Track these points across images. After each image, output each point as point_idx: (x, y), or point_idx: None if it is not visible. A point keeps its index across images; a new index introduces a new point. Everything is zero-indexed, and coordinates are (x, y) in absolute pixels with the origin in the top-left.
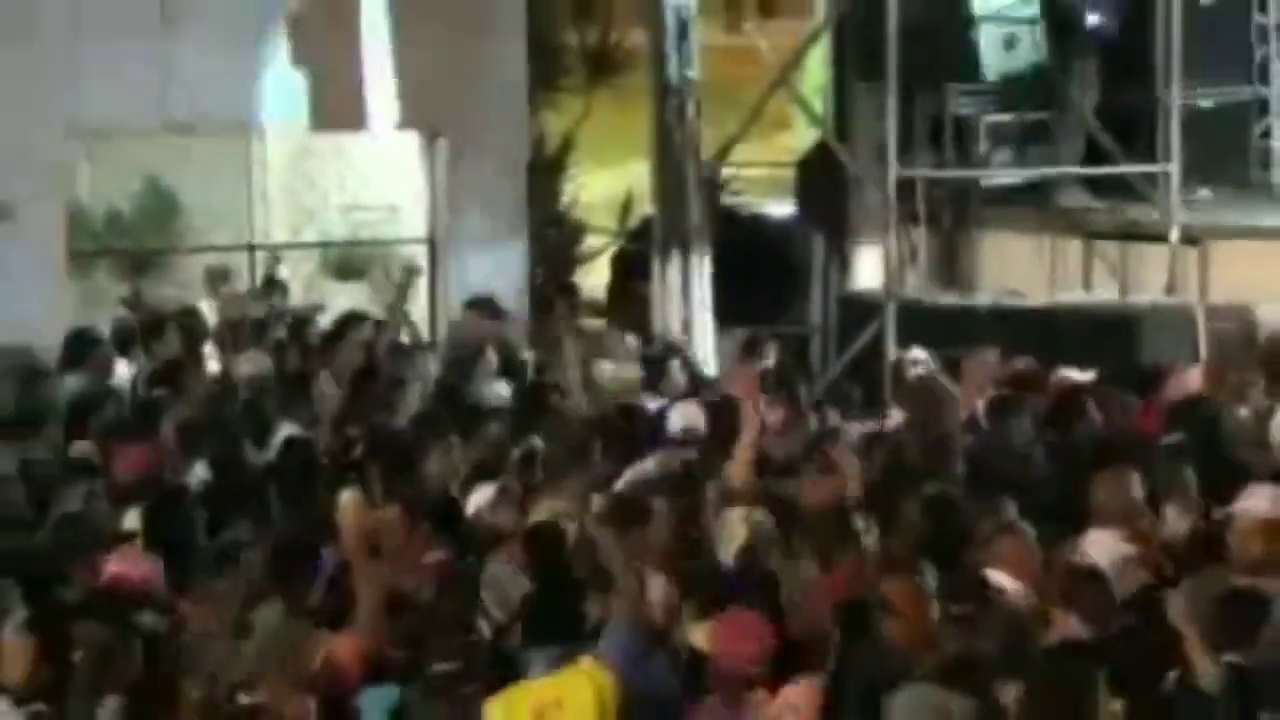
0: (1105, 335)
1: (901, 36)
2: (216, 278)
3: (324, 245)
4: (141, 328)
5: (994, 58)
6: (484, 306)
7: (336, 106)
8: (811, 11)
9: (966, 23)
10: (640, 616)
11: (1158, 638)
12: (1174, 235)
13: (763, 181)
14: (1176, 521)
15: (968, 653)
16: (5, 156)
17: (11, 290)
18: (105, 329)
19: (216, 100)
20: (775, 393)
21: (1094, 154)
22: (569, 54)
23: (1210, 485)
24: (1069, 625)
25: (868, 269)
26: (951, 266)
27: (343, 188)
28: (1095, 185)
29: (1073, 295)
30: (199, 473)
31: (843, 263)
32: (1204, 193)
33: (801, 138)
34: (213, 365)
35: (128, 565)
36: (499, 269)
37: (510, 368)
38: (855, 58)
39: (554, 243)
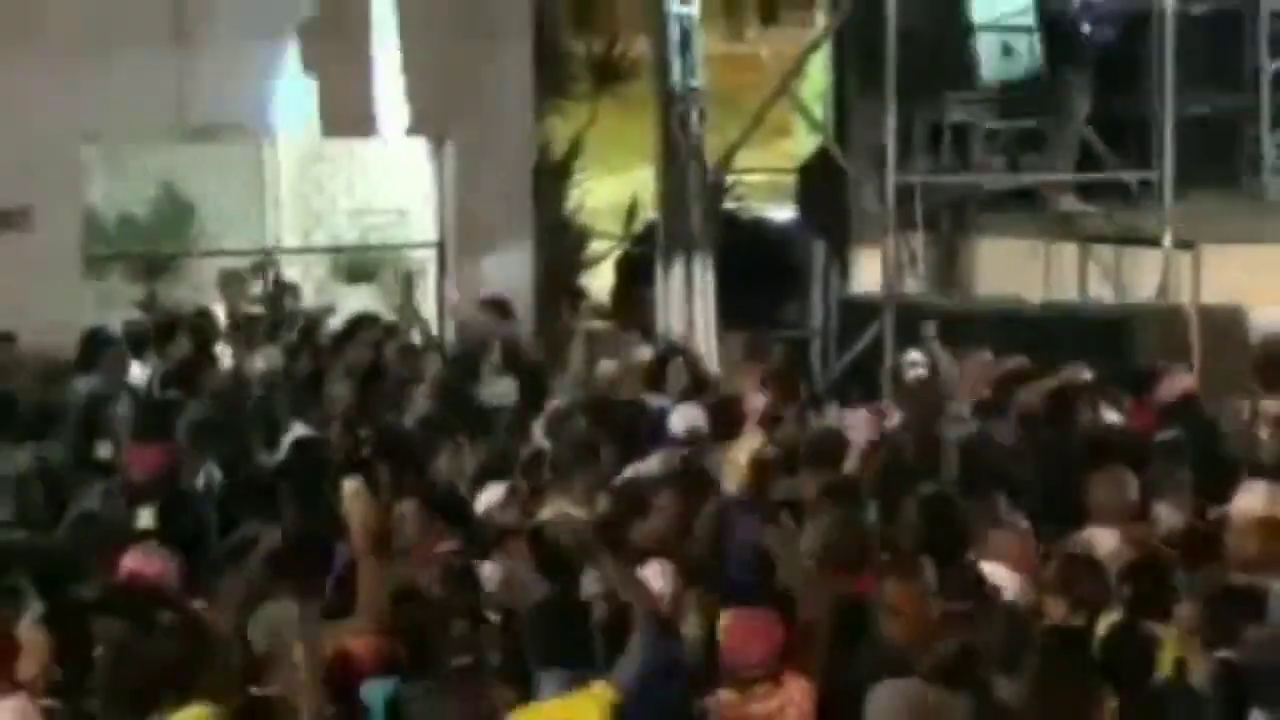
0: (1100, 337)
1: (900, 45)
2: (231, 282)
3: (334, 249)
4: (154, 329)
5: (991, 66)
6: (496, 306)
7: (346, 113)
8: (812, 20)
9: (964, 31)
10: (658, 645)
11: (1149, 634)
12: (1167, 239)
13: (764, 187)
14: (1169, 519)
15: (962, 648)
16: (23, 162)
17: (28, 292)
18: (119, 331)
19: (229, 107)
20: (777, 393)
21: (1089, 160)
22: (574, 62)
23: (1203, 484)
24: (1063, 615)
25: (867, 272)
26: (950, 270)
27: (352, 192)
28: (1090, 191)
29: (1068, 298)
30: (212, 472)
31: (843, 266)
32: (1200, 194)
33: (802, 144)
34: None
35: (144, 562)
36: (506, 272)
37: (516, 366)
38: (855, 66)
39: (560, 246)
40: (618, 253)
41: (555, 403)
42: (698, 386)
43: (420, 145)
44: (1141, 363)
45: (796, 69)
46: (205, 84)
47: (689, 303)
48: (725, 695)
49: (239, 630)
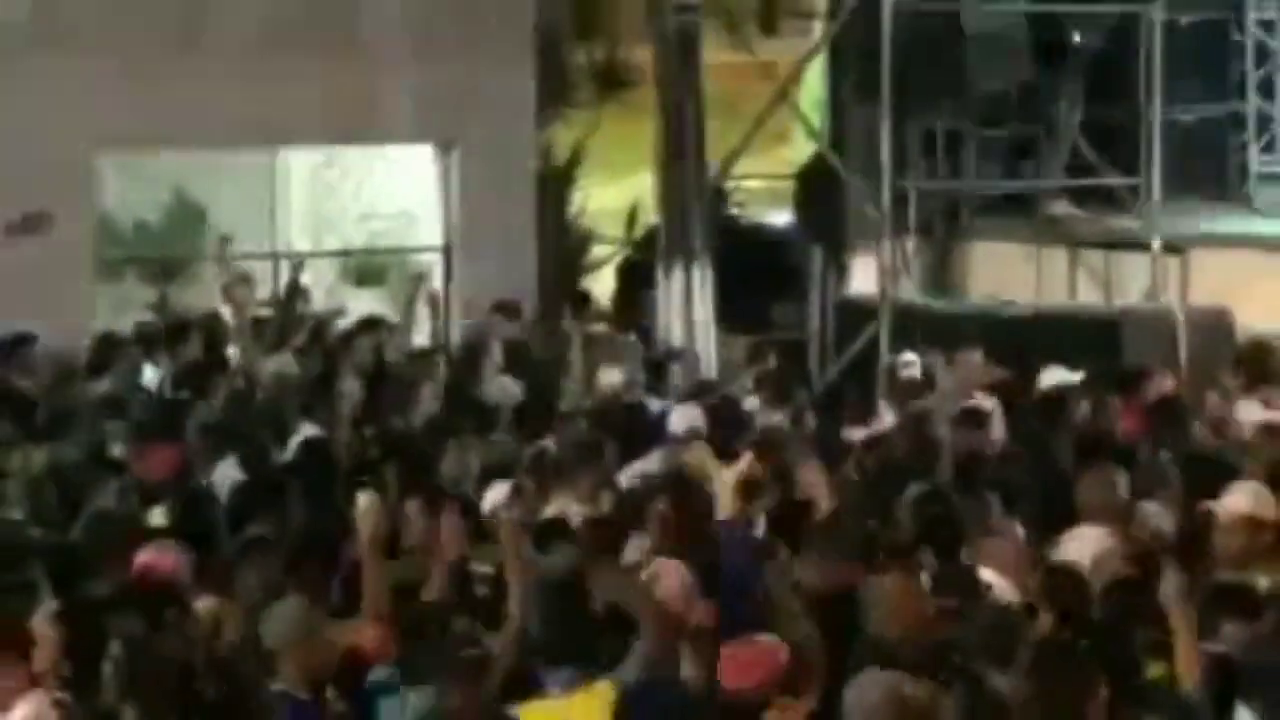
0: (1090, 339)
1: (895, 54)
2: (235, 282)
3: (343, 253)
4: (166, 331)
5: (984, 75)
6: (506, 309)
7: (355, 120)
8: (810, 30)
9: (958, 41)
10: (662, 651)
11: (1139, 630)
12: (1156, 244)
13: (763, 192)
14: (1157, 517)
15: (945, 642)
16: (38, 167)
17: (44, 294)
18: (132, 333)
19: (240, 114)
20: (774, 396)
21: (1079, 166)
22: (577, 70)
23: (1189, 482)
24: (1049, 623)
25: (863, 276)
26: (943, 273)
27: (361, 198)
28: (1080, 196)
29: (1059, 301)
30: (223, 471)
31: (839, 270)
32: (1187, 200)
33: (800, 151)
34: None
35: (157, 558)
36: (510, 275)
37: (520, 367)
38: (851, 75)
39: (563, 251)
40: (619, 257)
41: (561, 404)
42: (698, 388)
43: (427, 152)
44: (1130, 364)
45: (795, 77)
46: (218, 92)
47: (688, 306)
48: None
49: (250, 627)
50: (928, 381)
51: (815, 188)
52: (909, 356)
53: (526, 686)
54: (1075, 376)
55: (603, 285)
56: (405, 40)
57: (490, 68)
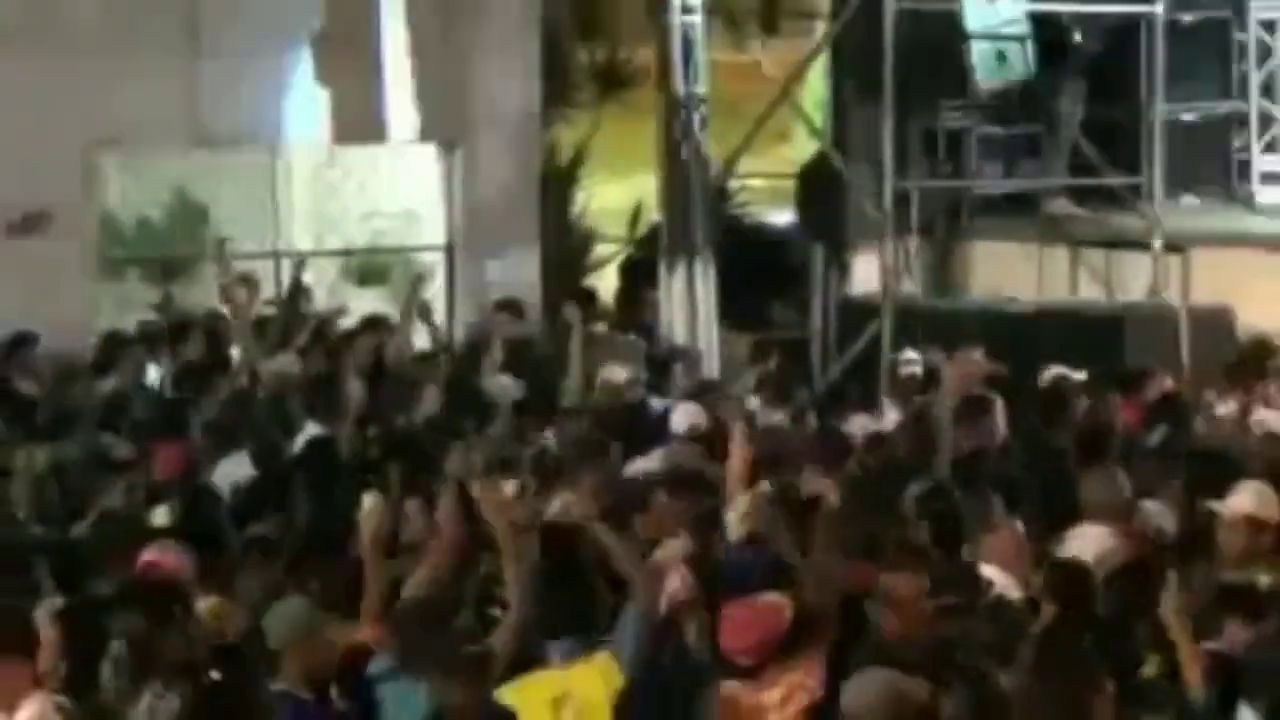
0: (1091, 338)
1: (897, 54)
2: (234, 283)
3: (345, 253)
4: (168, 329)
5: (985, 74)
6: (510, 308)
7: (358, 119)
8: (812, 29)
9: (959, 40)
10: (653, 610)
11: (1140, 627)
12: (1157, 242)
13: (765, 191)
14: (1159, 516)
15: (945, 639)
16: (41, 166)
17: (47, 294)
18: (135, 332)
19: (243, 113)
20: (775, 396)
21: (1080, 165)
22: (580, 70)
23: (1190, 481)
24: (1052, 619)
25: (865, 275)
26: (945, 272)
27: (363, 197)
28: (1081, 195)
29: (1060, 300)
30: (225, 470)
31: (841, 269)
32: (1189, 199)
33: (802, 150)
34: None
35: (161, 556)
36: (513, 274)
37: (521, 365)
38: (853, 74)
39: (566, 250)
40: (622, 256)
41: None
42: (699, 387)
43: (429, 151)
44: (1131, 363)
45: (797, 77)
46: (220, 91)
47: (691, 305)
48: (726, 685)
49: (254, 626)
50: (930, 378)
51: (817, 187)
52: (911, 354)
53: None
54: (1077, 375)
55: (606, 284)
56: (408, 39)
57: (494, 66)
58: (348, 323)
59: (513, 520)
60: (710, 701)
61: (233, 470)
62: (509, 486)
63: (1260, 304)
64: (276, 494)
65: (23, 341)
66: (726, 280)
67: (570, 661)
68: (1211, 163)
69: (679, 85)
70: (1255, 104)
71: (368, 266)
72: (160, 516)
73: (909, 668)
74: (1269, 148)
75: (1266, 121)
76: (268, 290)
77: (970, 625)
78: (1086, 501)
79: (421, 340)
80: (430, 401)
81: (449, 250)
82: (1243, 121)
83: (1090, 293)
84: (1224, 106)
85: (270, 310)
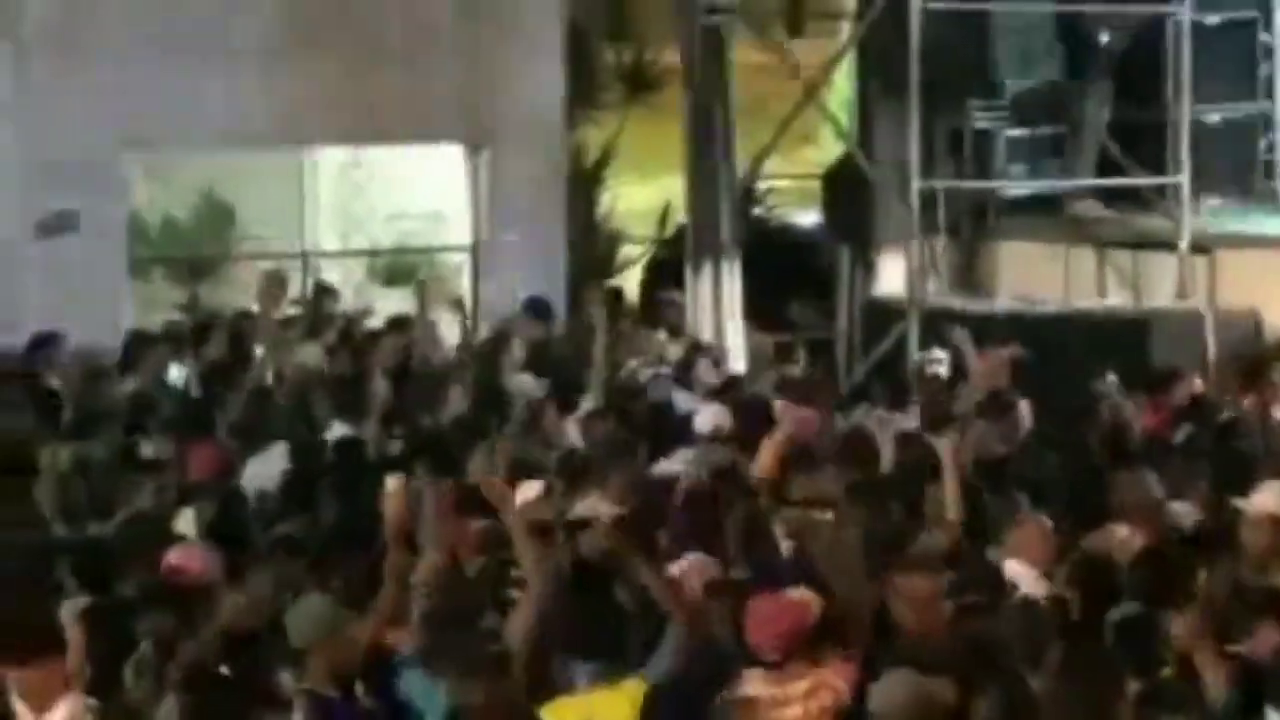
0: (1117, 340)
1: (923, 54)
2: (271, 283)
3: (372, 253)
4: (192, 330)
5: (1012, 75)
6: (536, 309)
7: (384, 120)
8: (838, 30)
9: (985, 41)
10: (690, 644)
11: (1160, 628)
12: (1184, 244)
13: (791, 192)
14: (1186, 517)
15: (972, 641)
16: (69, 167)
17: (74, 293)
18: (160, 332)
19: (270, 114)
20: (799, 397)
21: (1107, 166)
22: (606, 71)
23: (1219, 482)
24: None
25: (891, 276)
26: (971, 273)
27: (389, 197)
28: (1108, 196)
29: (1087, 301)
30: (253, 470)
31: (867, 270)
32: (1214, 200)
33: (828, 151)
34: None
35: (187, 557)
36: (539, 274)
37: (544, 365)
38: (879, 75)
39: (592, 250)
40: (647, 256)
41: (588, 402)
42: (725, 386)
43: (456, 152)
44: (1158, 365)
45: (823, 78)
46: (246, 92)
47: (717, 305)
48: (751, 678)
49: (274, 625)
50: (956, 377)
51: (843, 188)
52: (938, 353)
53: (548, 681)
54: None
55: (633, 284)
56: (435, 40)
57: (521, 68)
58: (374, 323)
59: (533, 521)
60: (730, 690)
61: (259, 470)
62: (534, 487)
63: None
64: (303, 494)
65: (50, 340)
66: (752, 281)
67: (597, 686)
68: (1237, 164)
69: (705, 87)
70: None
71: (394, 267)
72: (186, 518)
73: (933, 668)
74: None
75: None
76: (294, 290)
77: (993, 625)
78: (1115, 502)
79: (453, 335)
80: (456, 401)
81: (475, 251)
82: (1268, 123)
83: (1117, 294)
84: (1249, 107)
85: (296, 310)
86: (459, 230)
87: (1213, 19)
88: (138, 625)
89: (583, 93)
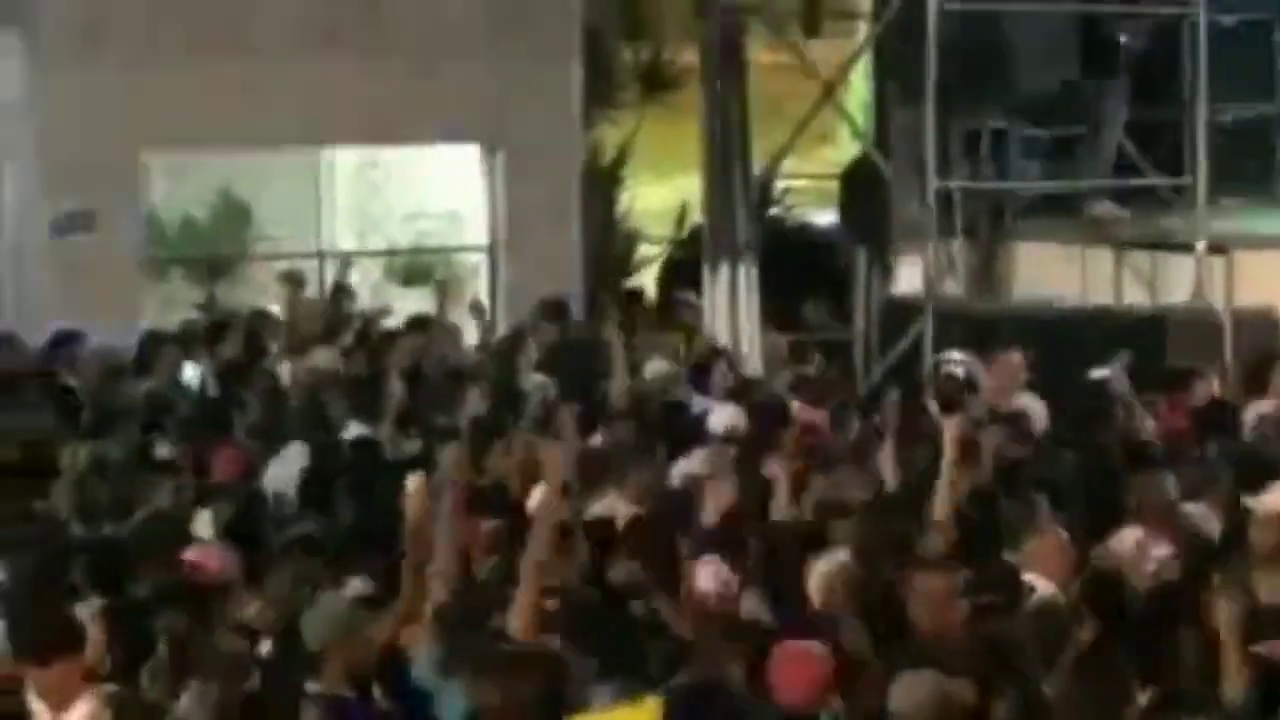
0: (1134, 340)
1: (940, 55)
2: (292, 282)
3: (389, 253)
4: (207, 330)
5: (1029, 75)
6: (553, 308)
7: (401, 120)
8: (854, 30)
9: (1002, 41)
10: (707, 659)
11: (1185, 631)
12: (1201, 244)
13: (808, 192)
14: (1203, 519)
15: (989, 642)
16: (87, 167)
17: (91, 293)
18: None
19: (286, 114)
20: (814, 397)
21: (1124, 167)
22: (623, 71)
23: (1239, 484)
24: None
25: (908, 276)
26: (988, 274)
27: (406, 197)
28: (1125, 196)
29: (1103, 302)
30: (272, 472)
31: (883, 270)
32: (1231, 202)
33: (845, 151)
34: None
35: (205, 558)
36: (555, 274)
37: (559, 364)
38: (896, 75)
39: (608, 250)
40: (663, 257)
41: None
42: (741, 388)
43: (473, 152)
44: (1175, 366)
45: (840, 78)
46: (263, 92)
47: (733, 305)
48: None
49: (289, 626)
50: (970, 383)
51: (860, 188)
52: (957, 355)
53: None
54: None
55: (649, 284)
56: (451, 40)
57: (537, 67)
58: (391, 323)
59: (556, 521)
60: None
61: (276, 471)
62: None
63: None
64: (320, 495)
65: (69, 339)
66: (769, 281)
67: (615, 706)
68: (1253, 164)
69: (722, 86)
70: None
71: (411, 267)
72: (204, 518)
73: (949, 668)
74: None
75: None
76: (311, 290)
77: (1010, 626)
78: (1131, 504)
79: (471, 337)
80: (475, 402)
81: (492, 250)
82: None
83: (1134, 295)
84: (1266, 108)
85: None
86: (476, 230)
87: (1229, 20)
88: (155, 625)
89: (600, 92)
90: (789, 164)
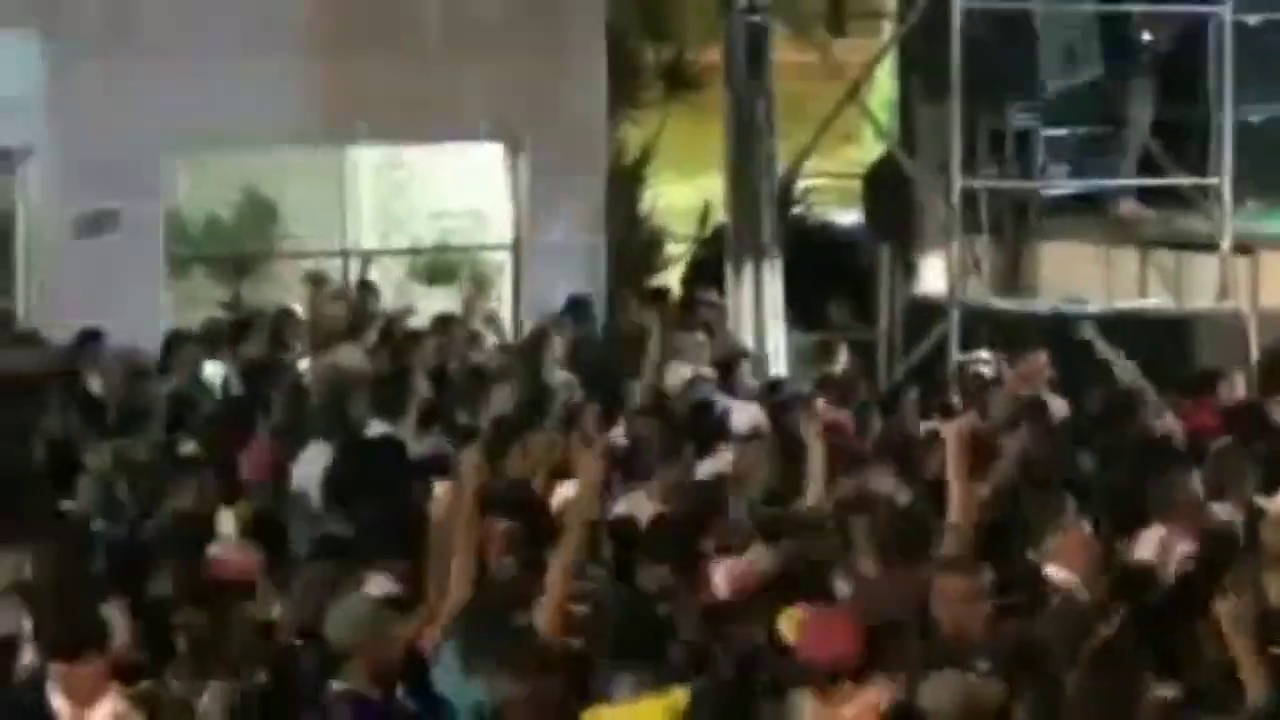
0: (1159, 340)
1: (964, 54)
2: (317, 282)
3: (412, 251)
4: (230, 328)
5: (1053, 74)
6: (576, 307)
7: (426, 118)
8: (879, 29)
9: (1027, 40)
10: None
11: (1203, 626)
12: (1226, 244)
13: (832, 192)
14: (1231, 519)
15: (1018, 642)
16: (110, 165)
17: (115, 292)
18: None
19: (312, 112)
20: (838, 396)
21: (1148, 167)
22: (646, 70)
23: (1267, 484)
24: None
25: (932, 276)
26: (1013, 273)
27: (430, 196)
28: (1150, 196)
29: (1128, 302)
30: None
31: (908, 270)
32: (1256, 202)
33: (869, 150)
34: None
35: (229, 556)
36: (579, 273)
37: (583, 364)
38: (920, 74)
39: (632, 249)
40: (688, 256)
41: (633, 401)
42: (766, 388)
43: (497, 151)
44: (1200, 365)
45: (864, 77)
46: (287, 90)
47: (758, 305)
48: (806, 698)
49: (314, 625)
50: (996, 382)
51: (884, 187)
52: (984, 354)
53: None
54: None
55: (674, 283)
56: (476, 39)
57: (561, 67)
58: (416, 322)
59: (587, 521)
60: (776, 703)
61: (301, 470)
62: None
63: None
64: (343, 493)
65: (92, 338)
66: (793, 281)
67: (637, 697)
68: (1278, 164)
69: (745, 85)
70: None
71: (435, 266)
72: (227, 517)
73: (973, 668)
74: None
75: None
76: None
77: (1033, 626)
78: (1156, 503)
79: (490, 340)
80: (500, 401)
81: (515, 249)
82: None
83: (1159, 295)
84: None
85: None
86: (500, 229)
87: (1255, 19)
88: (179, 623)
89: (623, 91)
90: (813, 163)
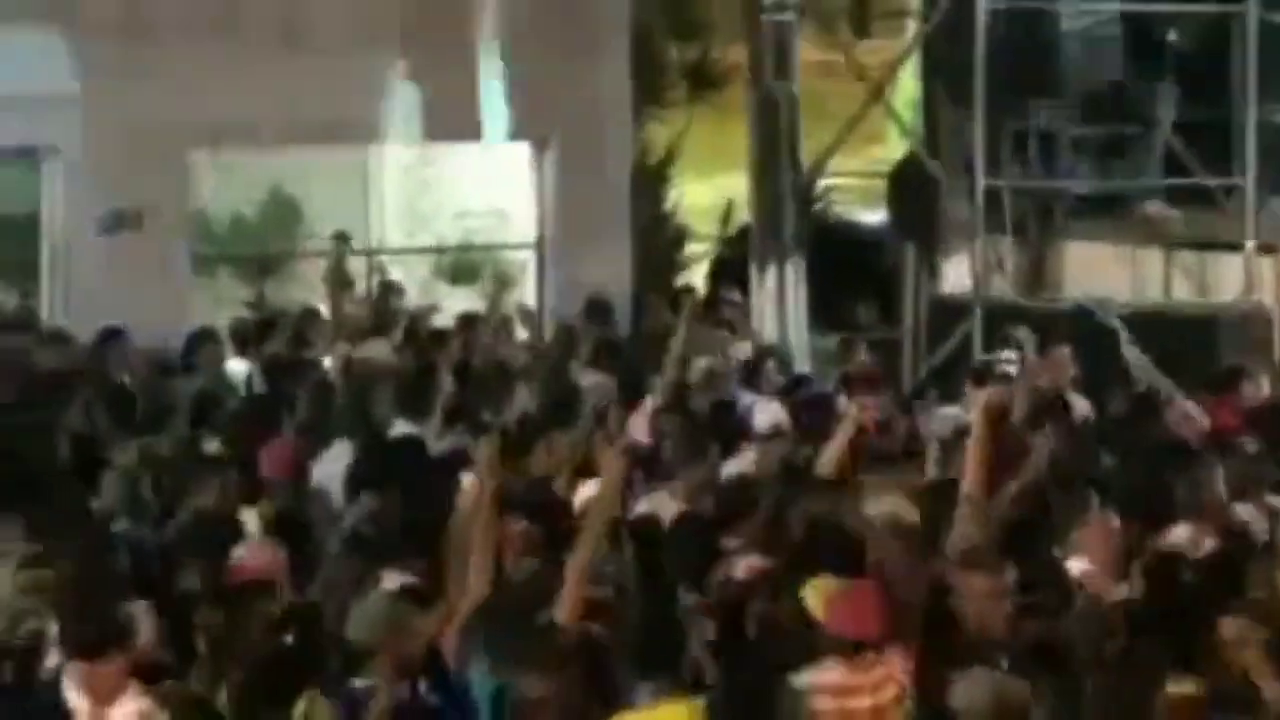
0: (1183, 339)
1: (988, 54)
2: (341, 283)
3: (437, 250)
4: (256, 327)
5: (1078, 74)
6: (599, 307)
7: (451, 118)
8: (903, 29)
9: (1051, 40)
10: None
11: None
12: (1250, 244)
13: (856, 191)
14: (1250, 518)
15: (1042, 640)
16: (134, 164)
17: (140, 291)
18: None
19: (337, 111)
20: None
21: (1173, 166)
22: (671, 69)
23: None
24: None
25: (956, 275)
26: (1037, 273)
27: (455, 195)
28: (1174, 196)
29: (1153, 301)
30: (323, 469)
31: (932, 269)
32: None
33: (893, 150)
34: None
35: (252, 554)
36: (603, 272)
37: (610, 363)
38: (944, 74)
39: (656, 248)
40: (711, 255)
41: (656, 401)
42: (790, 386)
43: (522, 150)
44: (1224, 364)
45: (888, 77)
46: (314, 89)
47: (781, 304)
48: (831, 667)
49: (337, 623)
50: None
51: (908, 186)
52: (1010, 354)
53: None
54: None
55: (699, 282)
56: (501, 38)
57: (586, 66)
58: (440, 320)
59: (608, 520)
60: (802, 675)
61: (324, 468)
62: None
63: None
64: (367, 491)
65: (113, 335)
66: (816, 280)
67: (656, 703)
68: None
69: (770, 84)
70: None
71: (460, 264)
72: (251, 517)
73: (997, 665)
74: None
75: None
76: (360, 288)
77: (1057, 625)
78: (1180, 502)
79: (521, 337)
80: (524, 399)
81: (540, 248)
82: None
83: (1183, 294)
84: None
85: (362, 307)
86: (524, 228)
87: (1278, 18)
88: (201, 620)
89: (648, 90)
90: (837, 162)
